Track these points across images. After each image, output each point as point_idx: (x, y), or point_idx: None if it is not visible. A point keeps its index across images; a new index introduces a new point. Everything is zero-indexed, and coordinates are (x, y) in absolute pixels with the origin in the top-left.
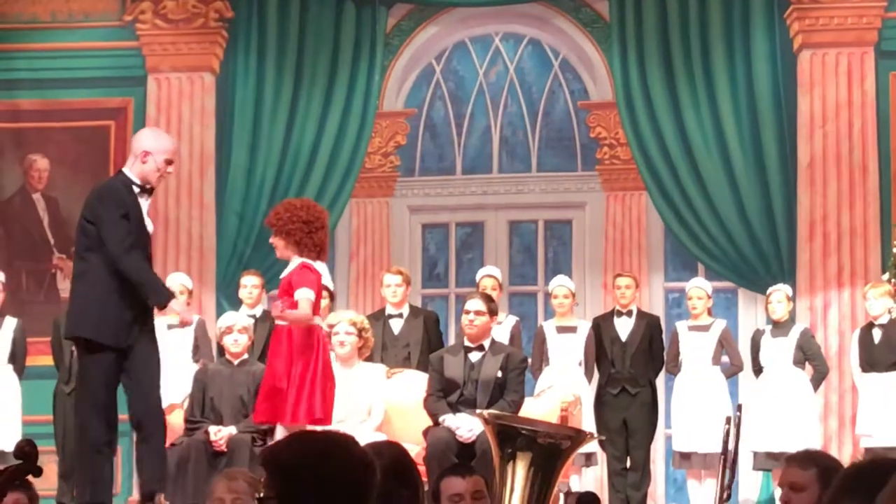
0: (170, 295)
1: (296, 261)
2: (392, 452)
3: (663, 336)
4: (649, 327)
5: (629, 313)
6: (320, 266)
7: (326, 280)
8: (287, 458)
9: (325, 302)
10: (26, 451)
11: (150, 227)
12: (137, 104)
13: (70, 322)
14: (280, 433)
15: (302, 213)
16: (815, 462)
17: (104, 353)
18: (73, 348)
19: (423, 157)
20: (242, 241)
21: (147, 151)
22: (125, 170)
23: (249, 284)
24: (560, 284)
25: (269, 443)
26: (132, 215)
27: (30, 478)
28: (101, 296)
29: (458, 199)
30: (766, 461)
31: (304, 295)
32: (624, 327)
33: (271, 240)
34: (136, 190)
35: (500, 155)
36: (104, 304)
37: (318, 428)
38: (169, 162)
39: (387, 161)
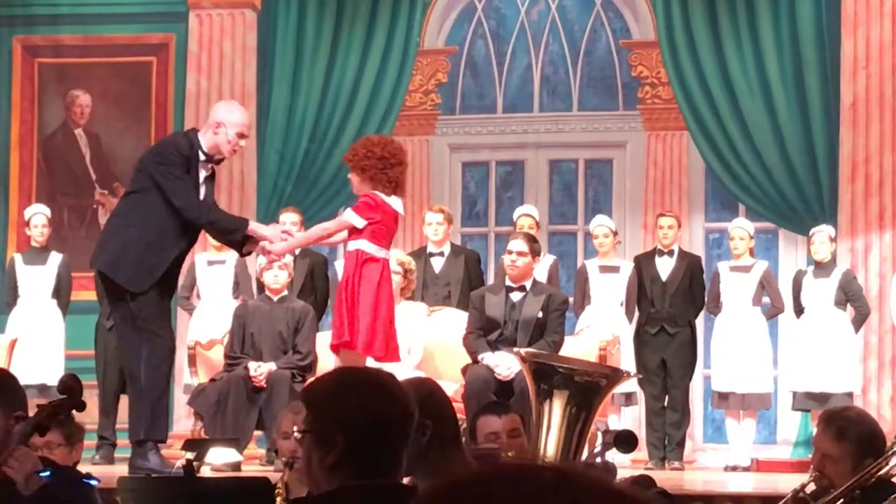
0: (242, 224)
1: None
2: (418, 385)
3: (704, 276)
4: (690, 267)
5: (671, 253)
6: (395, 201)
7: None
8: (317, 392)
9: None
10: (70, 386)
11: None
12: (179, 40)
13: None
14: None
15: (377, 149)
16: (851, 436)
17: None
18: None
19: (464, 96)
20: (283, 178)
21: (220, 122)
22: (199, 135)
23: (289, 222)
24: (600, 224)
25: (309, 378)
26: (191, 171)
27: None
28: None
29: (499, 138)
30: (805, 401)
31: (344, 215)
32: (665, 267)
33: (349, 175)
34: (202, 158)
35: (540, 93)
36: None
37: (376, 365)
38: (241, 136)
39: (427, 99)
